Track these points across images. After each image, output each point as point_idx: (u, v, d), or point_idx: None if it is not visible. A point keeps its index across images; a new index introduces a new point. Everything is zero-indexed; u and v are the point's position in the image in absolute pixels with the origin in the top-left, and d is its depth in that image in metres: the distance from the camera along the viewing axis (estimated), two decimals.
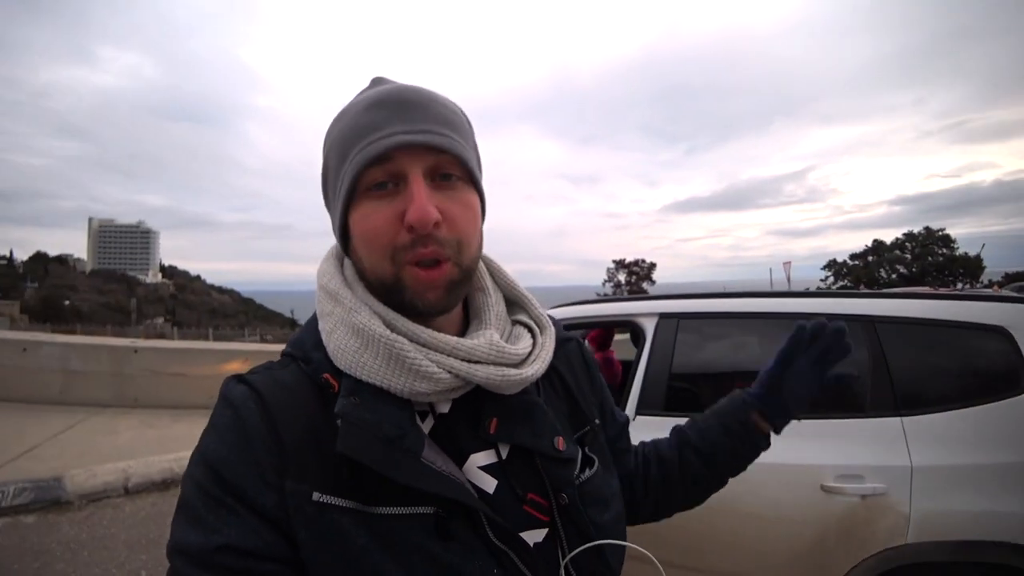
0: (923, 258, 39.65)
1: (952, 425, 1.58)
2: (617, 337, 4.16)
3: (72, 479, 3.84)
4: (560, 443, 0.56)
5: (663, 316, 2.09)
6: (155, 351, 6.25)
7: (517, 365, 0.54)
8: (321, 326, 0.54)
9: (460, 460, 0.52)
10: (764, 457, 1.63)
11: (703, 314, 2.07)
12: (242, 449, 0.46)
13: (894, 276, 40.41)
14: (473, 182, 0.54)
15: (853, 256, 44.18)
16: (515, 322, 0.62)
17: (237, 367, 6.09)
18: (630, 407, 1.95)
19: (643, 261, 44.83)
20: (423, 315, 0.52)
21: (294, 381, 0.51)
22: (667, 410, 1.91)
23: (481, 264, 0.62)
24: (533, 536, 0.53)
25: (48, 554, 3.03)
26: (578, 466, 0.58)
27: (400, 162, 0.49)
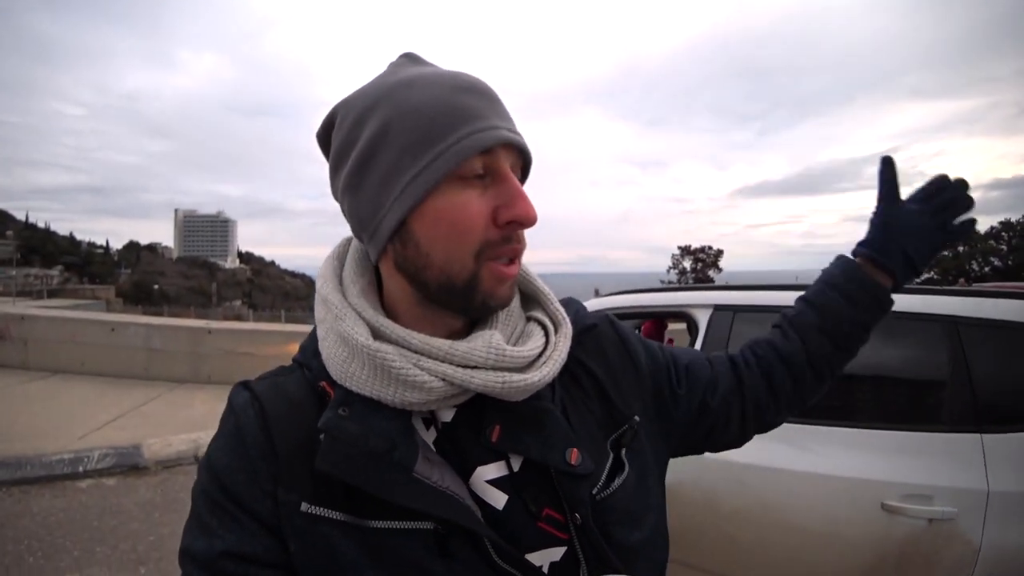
0: (1021, 250, 35.90)
1: None
2: (676, 326, 3.99)
3: (149, 447, 4.21)
4: (574, 456, 0.50)
5: (718, 308, 1.95)
6: (228, 332, 6.70)
7: (522, 369, 0.49)
8: (317, 332, 0.52)
9: (466, 473, 0.49)
10: (822, 468, 1.52)
11: (761, 307, 1.90)
12: (241, 456, 0.46)
13: (987, 269, 36.86)
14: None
15: None
16: (530, 318, 0.57)
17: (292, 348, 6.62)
18: None
19: (710, 248, 43.15)
20: (488, 314, 0.51)
21: (297, 389, 0.51)
22: None
23: None
24: (550, 555, 0.48)
25: (125, 514, 3.34)
26: (603, 478, 0.52)
27: (499, 156, 0.47)
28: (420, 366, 0.46)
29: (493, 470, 0.49)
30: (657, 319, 3.28)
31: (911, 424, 1.53)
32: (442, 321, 0.51)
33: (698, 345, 1.92)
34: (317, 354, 0.51)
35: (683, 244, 43.97)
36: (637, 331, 3.67)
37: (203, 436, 4.43)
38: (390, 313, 0.52)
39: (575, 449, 0.50)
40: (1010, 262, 36.01)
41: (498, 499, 0.49)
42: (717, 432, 0.67)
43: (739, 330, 1.88)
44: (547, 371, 0.50)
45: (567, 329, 0.56)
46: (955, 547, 1.35)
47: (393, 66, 0.52)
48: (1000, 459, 1.38)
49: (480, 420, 0.50)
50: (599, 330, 0.62)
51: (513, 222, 0.46)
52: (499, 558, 0.45)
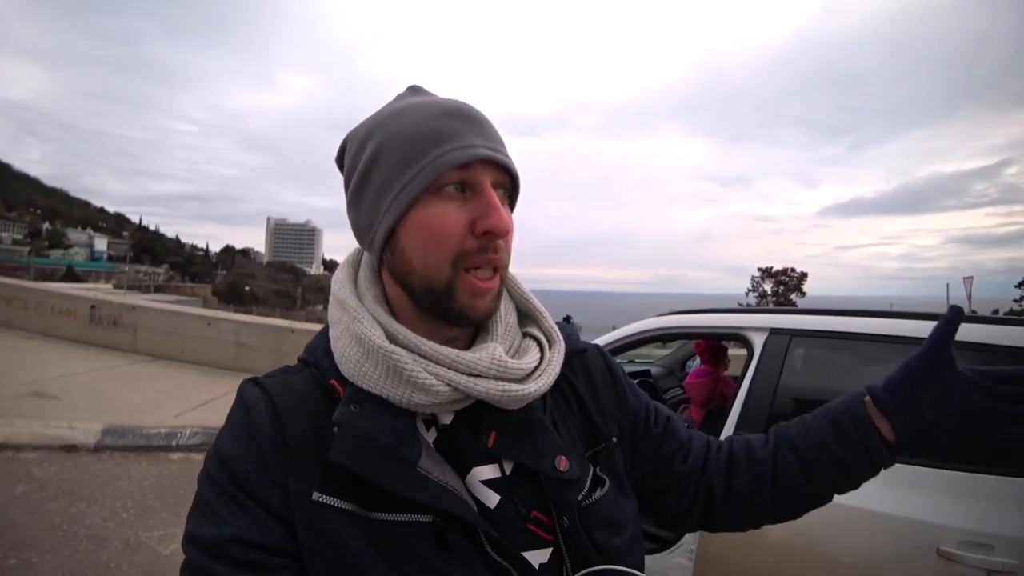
0: None
1: None
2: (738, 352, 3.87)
3: None
4: (562, 463, 0.54)
5: (773, 331, 1.91)
6: (309, 333, 7.14)
7: (520, 380, 0.53)
8: (330, 333, 0.55)
9: (463, 472, 0.52)
10: (875, 505, 1.49)
11: (819, 332, 1.84)
12: (251, 447, 0.48)
13: None
14: (513, 205, 0.56)
15: None
16: (526, 334, 0.61)
17: None
18: (729, 425, 1.82)
19: (792, 270, 40.34)
20: (465, 325, 0.53)
21: (305, 386, 0.53)
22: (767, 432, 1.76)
23: None
24: (538, 556, 0.52)
25: None
26: (586, 486, 0.56)
27: (477, 172, 0.50)
28: (429, 370, 0.49)
29: (488, 471, 0.53)
30: (714, 341, 3.19)
31: (979, 466, 1.42)
32: (438, 330, 0.54)
33: (752, 368, 1.89)
34: (327, 354, 0.55)
35: (764, 266, 41.60)
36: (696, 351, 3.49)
37: None
38: (396, 320, 0.54)
39: (563, 457, 0.54)
40: None
41: (491, 499, 0.52)
42: (670, 498, 0.67)
43: (795, 354, 1.84)
44: (542, 383, 0.54)
45: (561, 346, 0.60)
46: None
47: (396, 98, 0.58)
48: None
49: (478, 425, 0.53)
50: (588, 356, 0.66)
51: (488, 232, 0.49)
52: (493, 551, 0.48)
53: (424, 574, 0.46)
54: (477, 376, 0.50)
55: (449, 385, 0.49)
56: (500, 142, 0.53)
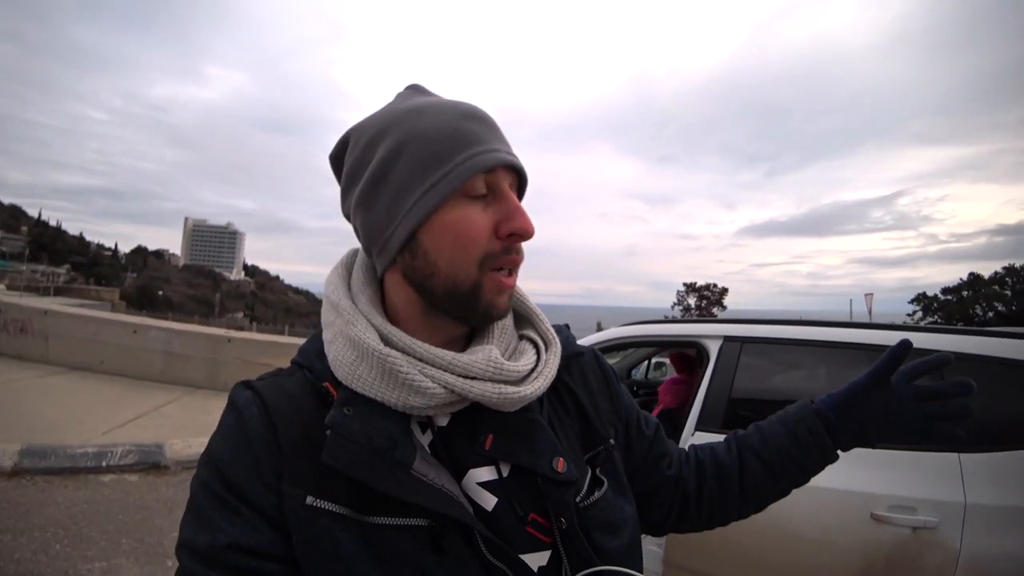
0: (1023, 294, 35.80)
1: (1011, 465, 1.56)
2: None
3: (171, 447, 4.32)
4: (560, 464, 0.54)
5: (727, 339, 2.16)
6: (246, 342, 6.85)
7: (517, 383, 0.53)
8: (324, 335, 0.55)
9: (459, 475, 0.51)
10: (817, 480, 1.68)
11: (767, 339, 2.12)
12: (244, 451, 0.48)
13: (991, 314, 37.04)
14: None
15: (945, 290, 41.00)
16: (522, 336, 0.61)
17: None
18: (690, 424, 2.03)
19: (714, 285, 43.62)
20: (489, 322, 0.55)
21: (297, 388, 0.53)
22: (725, 428, 1.98)
23: None
24: (537, 559, 0.51)
25: (148, 509, 3.43)
26: (584, 488, 0.56)
27: (499, 176, 0.51)
28: (425, 373, 0.49)
29: (484, 473, 0.52)
30: (687, 352, 3.43)
31: (899, 444, 1.71)
32: (443, 330, 0.55)
33: (708, 372, 2.12)
34: (320, 356, 0.54)
35: (688, 281, 44.35)
36: (651, 362, 3.71)
37: None
38: (393, 322, 0.54)
39: (561, 458, 0.54)
40: (1014, 307, 36.06)
41: (488, 501, 0.51)
42: (653, 501, 0.70)
43: (746, 361, 2.09)
44: (539, 385, 0.54)
45: (557, 348, 0.60)
46: (937, 553, 1.52)
47: (401, 96, 0.57)
48: (975, 475, 1.57)
49: (475, 427, 0.53)
50: (584, 359, 0.67)
51: (513, 234, 0.51)
52: (490, 554, 0.48)
53: None
54: (473, 378, 0.51)
55: (445, 387, 0.49)
56: (510, 145, 0.54)
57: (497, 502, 0.51)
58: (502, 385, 0.52)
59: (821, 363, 2.03)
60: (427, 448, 0.52)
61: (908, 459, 1.67)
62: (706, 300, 42.63)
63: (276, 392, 0.52)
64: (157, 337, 6.77)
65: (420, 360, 0.50)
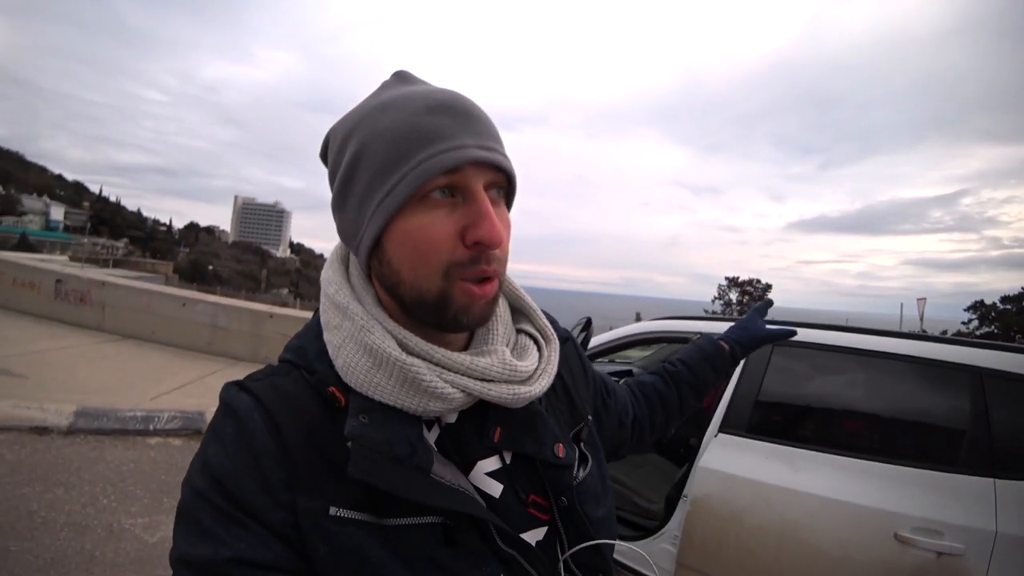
0: None
1: None
2: None
3: (212, 415, 4.54)
4: (560, 450, 0.57)
5: None
6: (286, 318, 7.06)
7: (525, 381, 0.54)
8: (327, 338, 0.52)
9: (467, 467, 0.53)
10: (840, 495, 1.71)
11: (800, 343, 2.03)
12: (248, 464, 0.45)
13: None
14: (508, 199, 0.54)
15: (1005, 299, 38.14)
16: (519, 331, 0.62)
17: None
18: (714, 424, 1.99)
19: (758, 281, 42.05)
20: (460, 331, 0.53)
21: (296, 391, 0.50)
22: (749, 432, 1.92)
23: None
24: (535, 535, 0.55)
25: None
26: (576, 466, 0.60)
27: (466, 176, 0.47)
28: (445, 379, 0.49)
29: (490, 464, 0.54)
30: None
31: (930, 462, 1.64)
32: (435, 333, 0.53)
33: (736, 372, 2.06)
34: (321, 358, 0.52)
35: (731, 275, 43.02)
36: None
37: None
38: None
39: (560, 444, 0.58)
40: None
41: (495, 489, 0.54)
42: (624, 446, 0.85)
43: (777, 363, 2.03)
44: (544, 383, 0.56)
45: (556, 344, 0.62)
46: None
47: (380, 87, 0.54)
48: (1010, 504, 1.48)
49: (483, 422, 0.55)
50: (568, 345, 0.70)
51: (478, 243, 0.47)
52: (502, 542, 0.50)
53: (438, 573, 0.47)
54: (489, 381, 0.51)
55: (463, 391, 0.50)
56: (494, 137, 0.50)
57: (503, 489, 0.54)
58: (515, 386, 0.53)
59: (857, 370, 1.95)
60: (435, 446, 0.52)
61: (940, 480, 1.59)
62: (748, 296, 41.27)
63: (275, 397, 0.49)
64: (204, 311, 7.07)
65: (438, 365, 0.50)
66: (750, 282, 41.91)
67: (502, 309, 0.60)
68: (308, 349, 0.54)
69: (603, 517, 0.60)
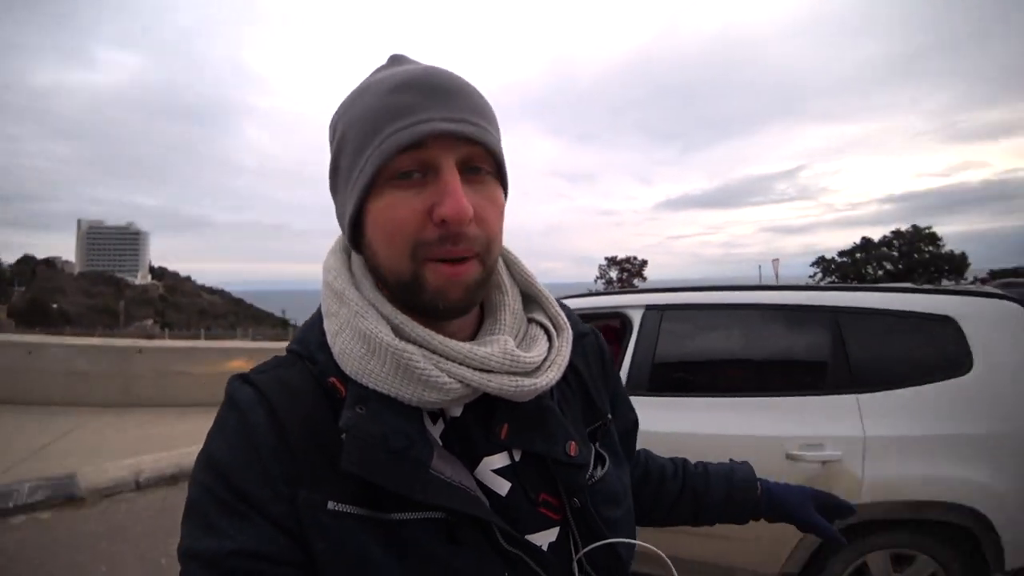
0: (910, 255, 40.61)
1: (901, 402, 1.81)
2: None
3: (84, 476, 3.94)
4: (572, 448, 0.54)
5: (649, 308, 2.31)
6: (159, 351, 6.39)
7: (531, 373, 0.51)
8: (326, 326, 0.51)
9: (473, 464, 0.51)
10: (737, 429, 1.90)
11: (685, 305, 2.31)
12: (251, 457, 0.45)
13: (881, 273, 41.31)
14: (500, 177, 0.51)
15: (842, 253, 45.27)
16: (531, 320, 0.58)
17: (240, 365, 6.20)
18: None
19: (634, 258, 45.36)
20: (441, 317, 0.49)
21: (300, 382, 0.50)
22: (650, 391, 2.14)
23: (499, 259, 0.58)
24: (547, 536, 0.52)
25: (68, 546, 3.14)
26: (591, 465, 0.56)
27: (433, 151, 0.45)
28: (441, 367, 0.47)
29: (497, 460, 0.52)
30: (601, 323, 3.62)
31: (805, 390, 1.96)
32: (426, 320, 0.50)
33: (633, 339, 2.27)
34: (322, 347, 0.51)
35: (610, 255, 45.89)
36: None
37: (142, 461, 4.24)
38: None
39: (573, 442, 0.54)
40: (900, 266, 40.58)
41: (502, 486, 0.51)
42: None
43: (667, 327, 2.26)
44: (553, 375, 0.52)
45: (568, 335, 0.58)
46: (844, 481, 1.75)
47: (374, 71, 0.53)
48: (871, 413, 1.82)
49: (489, 417, 0.52)
50: (589, 339, 0.66)
51: (444, 221, 0.44)
52: (506, 543, 0.47)
53: (439, 569, 0.45)
54: (490, 372, 0.48)
55: (461, 382, 0.47)
56: (472, 110, 0.47)
57: (511, 487, 0.51)
58: (519, 377, 0.49)
59: (735, 324, 2.24)
60: (439, 440, 0.50)
61: (815, 403, 1.89)
62: (627, 272, 44.26)
63: (279, 389, 0.49)
64: (57, 355, 6.13)
65: (435, 353, 0.48)
66: (628, 259, 45.06)
67: (511, 297, 0.57)
68: (311, 338, 0.53)
69: (620, 519, 0.57)
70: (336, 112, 0.52)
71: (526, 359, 0.50)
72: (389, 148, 0.45)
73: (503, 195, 0.51)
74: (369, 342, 0.47)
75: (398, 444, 0.45)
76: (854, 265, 43.09)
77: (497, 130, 0.51)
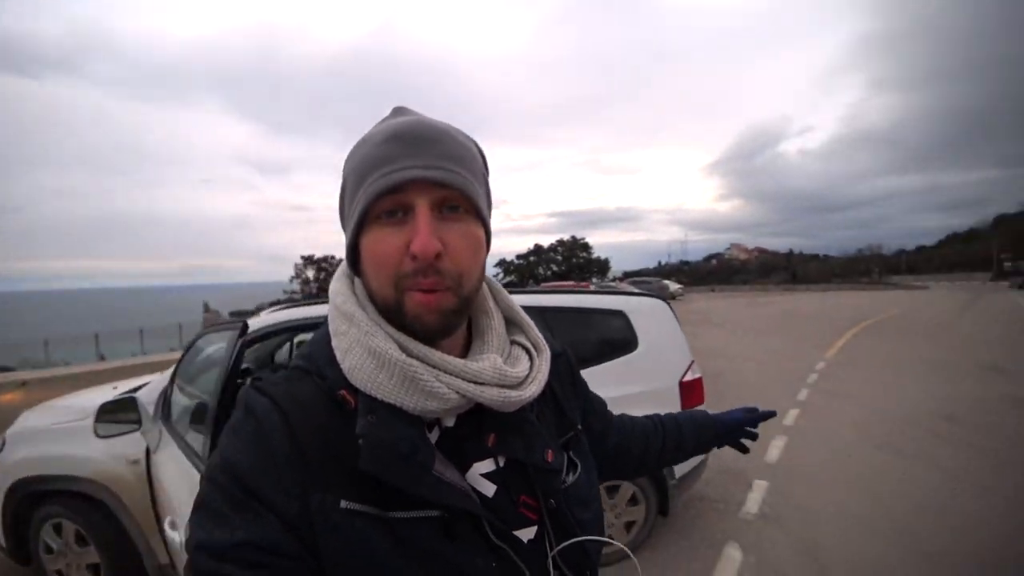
0: (570, 259, 50.62)
1: (596, 374, 2.31)
2: None
3: None
4: (550, 455, 0.61)
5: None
6: None
7: (516, 387, 0.58)
8: (335, 344, 0.56)
9: (463, 468, 0.57)
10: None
11: (536, 308, 2.58)
12: (265, 460, 0.50)
13: (550, 273, 50.38)
14: (479, 215, 0.56)
15: (519, 256, 52.88)
16: (513, 342, 0.65)
17: (10, 398, 4.99)
18: None
19: (332, 258, 43.37)
20: (422, 339, 0.55)
21: (310, 396, 0.55)
22: None
23: (484, 287, 0.66)
24: (526, 534, 0.59)
25: None
26: (564, 471, 0.64)
27: (410, 194, 0.52)
28: (441, 380, 0.53)
29: (485, 465, 0.58)
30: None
31: None
32: (419, 339, 0.56)
33: None
34: (331, 364, 0.56)
35: (306, 254, 42.99)
36: (295, 343, 3.70)
37: None
38: None
39: (550, 450, 0.62)
40: (563, 268, 50.50)
41: (488, 488, 0.58)
42: (603, 467, 0.83)
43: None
44: (534, 389, 0.60)
45: (547, 355, 0.66)
46: None
47: (378, 121, 0.59)
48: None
49: (479, 427, 0.58)
50: (562, 359, 0.75)
51: (415, 256, 0.51)
52: (495, 536, 0.55)
53: (439, 564, 0.51)
54: (482, 384, 0.55)
55: (458, 393, 0.53)
56: (449, 158, 0.53)
57: (496, 489, 0.58)
58: (506, 390, 0.56)
59: (573, 326, 2.65)
60: (435, 447, 0.55)
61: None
62: (325, 272, 42.23)
63: (291, 400, 0.53)
64: None
65: (435, 367, 0.54)
66: (325, 259, 43.06)
67: (496, 321, 0.64)
68: (318, 356, 0.58)
69: (590, 520, 0.65)
70: (345, 159, 0.59)
71: (512, 374, 0.58)
72: (372, 192, 0.52)
73: (483, 231, 0.58)
74: (379, 358, 0.53)
75: (405, 449, 0.51)
76: (529, 267, 50.92)
77: (476, 173, 0.57)
